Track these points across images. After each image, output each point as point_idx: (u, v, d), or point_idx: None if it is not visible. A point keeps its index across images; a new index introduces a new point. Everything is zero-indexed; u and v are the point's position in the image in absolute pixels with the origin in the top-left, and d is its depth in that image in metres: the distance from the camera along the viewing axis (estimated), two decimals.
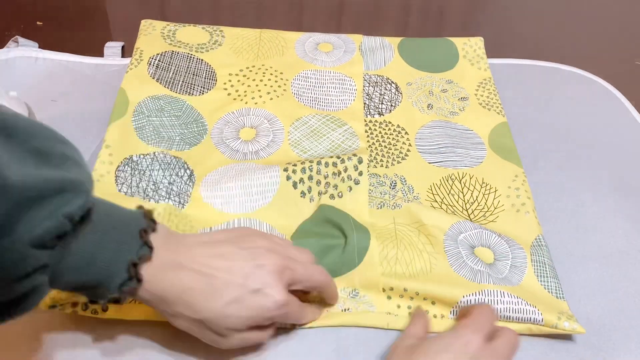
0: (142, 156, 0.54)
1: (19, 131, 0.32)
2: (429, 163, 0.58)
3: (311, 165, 0.53)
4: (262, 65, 0.66)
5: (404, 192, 0.55)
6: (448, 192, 0.55)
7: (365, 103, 0.64)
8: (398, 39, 0.72)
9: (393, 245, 0.49)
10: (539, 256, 0.50)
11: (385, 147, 0.59)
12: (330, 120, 0.61)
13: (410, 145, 0.59)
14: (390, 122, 0.62)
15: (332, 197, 0.51)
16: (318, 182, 0.52)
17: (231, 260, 0.39)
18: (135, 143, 0.55)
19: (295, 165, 0.53)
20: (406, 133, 0.61)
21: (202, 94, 0.62)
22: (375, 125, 0.61)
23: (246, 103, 0.62)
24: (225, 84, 0.64)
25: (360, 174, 0.53)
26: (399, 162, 0.58)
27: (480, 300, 0.46)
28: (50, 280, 0.34)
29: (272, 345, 0.44)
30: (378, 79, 0.67)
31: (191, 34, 0.69)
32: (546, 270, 0.49)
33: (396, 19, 0.82)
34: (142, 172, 0.53)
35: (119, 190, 0.51)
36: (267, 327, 0.41)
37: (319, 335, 0.45)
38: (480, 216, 0.53)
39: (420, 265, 0.48)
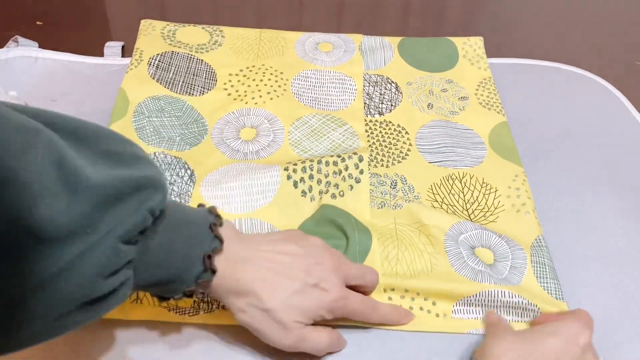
0: None
1: (88, 135, 0.34)
2: (429, 163, 0.58)
3: (312, 165, 0.53)
4: (262, 65, 0.66)
5: (404, 191, 0.55)
6: (448, 191, 0.55)
7: (365, 103, 0.64)
8: (398, 39, 0.72)
9: (394, 246, 0.49)
10: (539, 257, 0.50)
11: (386, 146, 0.59)
12: (330, 120, 0.61)
13: (410, 144, 0.59)
14: (390, 122, 0.62)
15: (333, 196, 0.51)
16: (319, 181, 0.52)
17: (293, 256, 0.41)
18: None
19: (295, 164, 0.53)
20: (406, 133, 0.61)
21: (202, 94, 0.62)
22: (376, 125, 0.61)
23: (246, 103, 0.62)
24: (225, 84, 0.64)
25: (361, 172, 0.53)
26: (399, 162, 0.58)
27: (481, 300, 0.46)
28: None
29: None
30: (378, 78, 0.67)
31: (191, 34, 0.69)
32: (546, 271, 0.49)
33: (396, 19, 0.82)
34: None
35: None
36: (325, 331, 0.42)
37: None
38: (480, 216, 0.53)
39: (422, 265, 0.48)
